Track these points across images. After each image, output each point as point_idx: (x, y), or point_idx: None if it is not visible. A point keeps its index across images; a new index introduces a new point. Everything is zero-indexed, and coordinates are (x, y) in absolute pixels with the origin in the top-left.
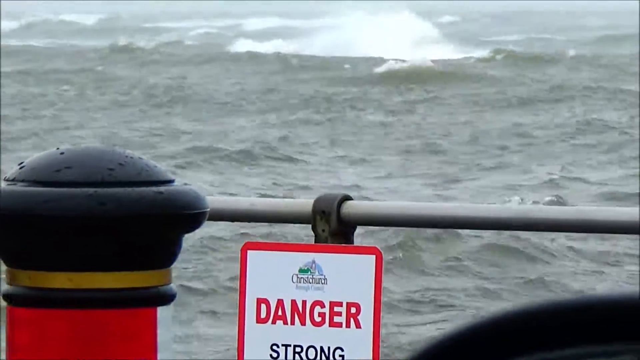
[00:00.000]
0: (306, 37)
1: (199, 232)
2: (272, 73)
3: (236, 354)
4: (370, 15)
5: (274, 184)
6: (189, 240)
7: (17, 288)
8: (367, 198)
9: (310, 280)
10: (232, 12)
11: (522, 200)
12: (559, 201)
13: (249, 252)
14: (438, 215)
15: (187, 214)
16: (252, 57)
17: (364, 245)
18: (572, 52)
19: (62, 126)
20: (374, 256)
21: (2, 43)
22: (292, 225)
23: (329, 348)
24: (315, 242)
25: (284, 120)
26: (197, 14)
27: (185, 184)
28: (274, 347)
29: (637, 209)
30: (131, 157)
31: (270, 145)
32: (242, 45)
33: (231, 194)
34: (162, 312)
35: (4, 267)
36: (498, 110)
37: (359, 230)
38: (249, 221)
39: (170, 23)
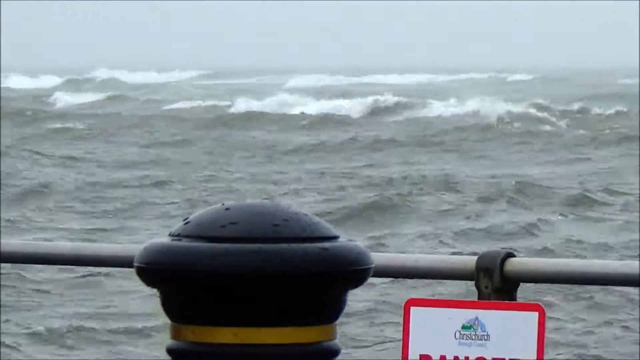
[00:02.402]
0: None
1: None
2: None
3: None
4: None
5: None
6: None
7: (181, 343)
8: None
9: (473, 337)
10: None
11: None
12: None
13: (412, 308)
14: (598, 272)
15: (352, 271)
16: None
17: (526, 302)
18: None
19: None
20: (536, 313)
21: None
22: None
23: None
24: (478, 298)
25: None
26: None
27: (351, 240)
28: None
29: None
30: (296, 213)
31: None
32: None
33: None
34: None
35: (164, 321)
36: None
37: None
38: (413, 277)
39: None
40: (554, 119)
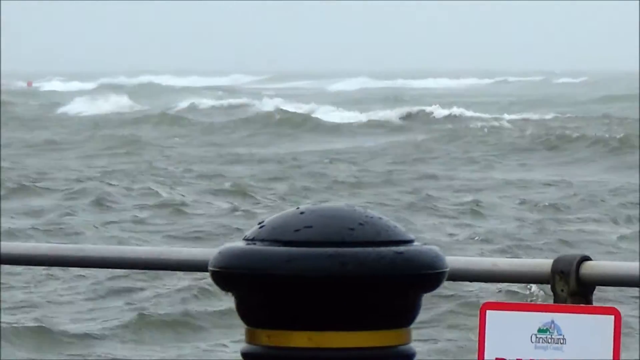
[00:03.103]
0: None
1: None
2: None
3: None
4: None
5: None
6: None
7: (256, 347)
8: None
9: (549, 341)
10: None
11: None
12: None
13: (487, 312)
14: None
15: (427, 274)
16: None
17: (602, 305)
18: None
19: None
20: (612, 316)
21: None
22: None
23: None
24: (554, 301)
25: None
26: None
27: (425, 244)
28: None
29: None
30: (371, 217)
31: None
32: None
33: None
34: None
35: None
36: None
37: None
38: (488, 281)
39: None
40: None
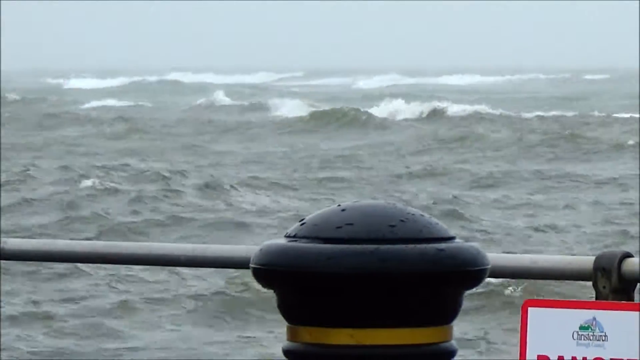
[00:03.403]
0: None
1: None
2: None
3: None
4: None
5: None
6: None
7: (298, 344)
8: None
9: (591, 338)
10: None
11: None
12: None
13: (529, 309)
14: None
15: (468, 271)
16: None
17: None
18: None
19: None
20: None
21: None
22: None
23: None
24: (596, 299)
25: None
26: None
27: (467, 240)
28: None
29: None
30: (412, 214)
31: None
32: None
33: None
34: None
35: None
36: None
37: None
38: (529, 278)
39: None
40: None
